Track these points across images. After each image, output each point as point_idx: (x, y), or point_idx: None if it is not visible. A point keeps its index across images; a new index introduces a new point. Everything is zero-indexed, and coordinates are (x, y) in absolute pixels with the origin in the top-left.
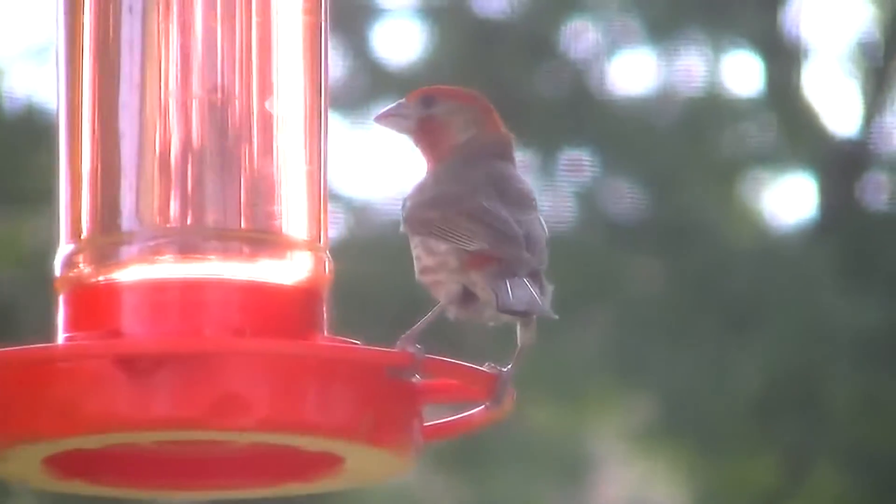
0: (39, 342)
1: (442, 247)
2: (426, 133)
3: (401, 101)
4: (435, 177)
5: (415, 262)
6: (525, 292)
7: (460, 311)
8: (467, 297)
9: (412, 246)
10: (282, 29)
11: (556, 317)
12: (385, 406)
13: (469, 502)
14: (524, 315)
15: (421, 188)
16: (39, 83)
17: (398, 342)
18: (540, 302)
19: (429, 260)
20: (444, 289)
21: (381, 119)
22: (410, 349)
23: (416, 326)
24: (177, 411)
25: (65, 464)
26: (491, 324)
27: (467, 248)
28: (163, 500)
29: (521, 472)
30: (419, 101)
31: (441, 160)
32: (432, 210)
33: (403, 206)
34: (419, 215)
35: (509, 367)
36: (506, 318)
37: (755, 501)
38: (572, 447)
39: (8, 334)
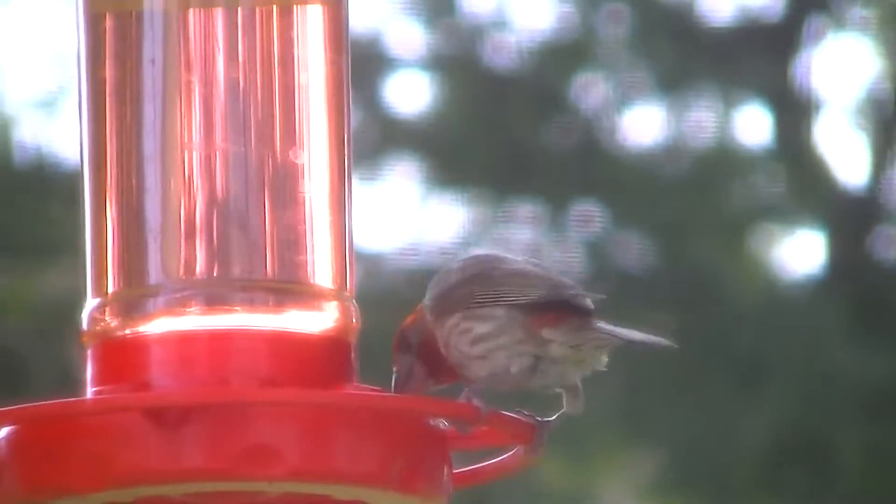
0: (56, 395)
1: (498, 311)
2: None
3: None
4: (451, 269)
5: (455, 340)
6: (621, 327)
7: (522, 382)
8: (535, 367)
9: (446, 329)
10: (304, 79)
11: (676, 346)
12: (416, 453)
13: None
14: (648, 344)
15: (442, 280)
16: (50, 133)
17: (463, 395)
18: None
19: (484, 327)
20: (507, 358)
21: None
22: (476, 402)
23: (476, 384)
24: (207, 463)
25: None
26: (545, 389)
27: (528, 300)
28: None
29: None
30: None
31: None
32: (469, 285)
33: (426, 301)
34: (454, 294)
35: (552, 419)
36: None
37: None
38: (584, 500)
39: (19, 386)
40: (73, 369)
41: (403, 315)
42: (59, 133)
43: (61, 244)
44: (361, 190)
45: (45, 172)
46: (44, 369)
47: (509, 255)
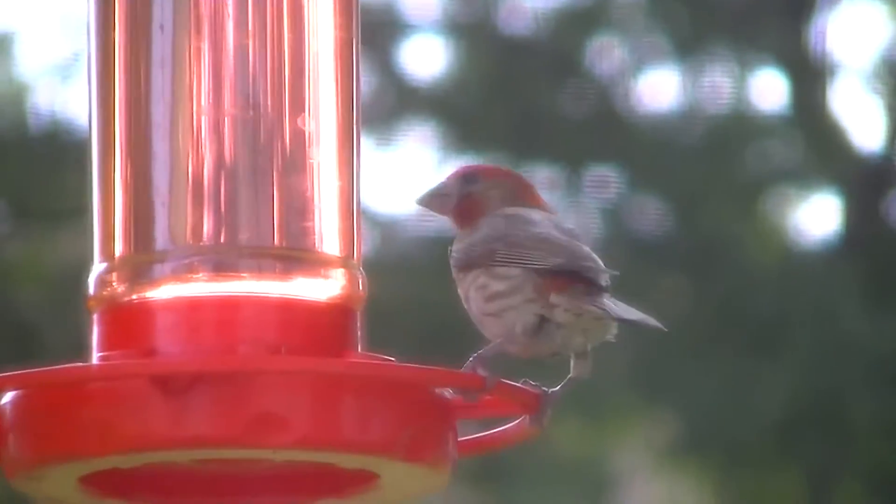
0: (67, 361)
1: (514, 271)
2: (465, 209)
3: (442, 181)
4: (479, 225)
5: (473, 294)
6: (625, 305)
7: (529, 343)
8: (540, 327)
9: (467, 282)
10: (314, 45)
11: (666, 329)
12: (422, 422)
13: None
14: (639, 324)
15: (468, 234)
16: (65, 100)
17: (467, 364)
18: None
19: (499, 285)
20: (516, 317)
21: (423, 201)
22: (481, 372)
23: (484, 351)
24: (212, 430)
25: (101, 483)
26: (555, 356)
27: (545, 266)
28: None
29: (546, 490)
30: (460, 179)
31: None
32: (492, 243)
33: (451, 253)
34: (477, 250)
35: (557, 389)
36: (577, 344)
37: None
38: (597, 464)
39: (31, 353)
40: (87, 336)
41: (418, 280)
42: (73, 100)
43: (76, 211)
44: (377, 155)
45: (60, 139)
46: (58, 335)
47: (540, 217)
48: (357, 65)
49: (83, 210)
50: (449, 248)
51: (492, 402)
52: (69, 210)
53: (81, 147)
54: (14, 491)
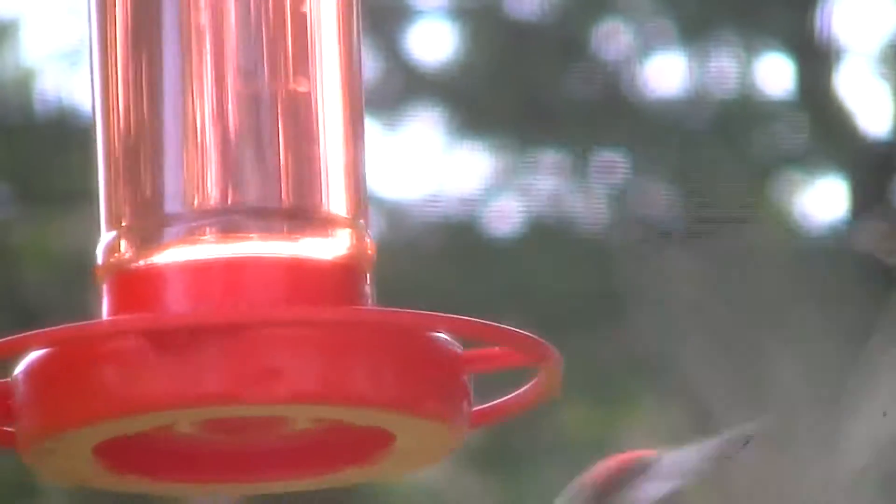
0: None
1: None
2: None
3: None
4: None
5: None
6: None
7: None
8: None
9: None
10: (316, 6)
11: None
12: (430, 374)
13: (502, 501)
14: None
15: None
16: (72, 85)
17: None
18: None
19: None
20: None
21: None
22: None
23: None
24: (216, 387)
25: (117, 458)
26: None
27: None
28: (214, 494)
29: (552, 473)
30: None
31: None
32: None
33: None
34: None
35: None
36: None
37: None
38: (605, 448)
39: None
40: (96, 309)
41: (425, 265)
42: (80, 84)
43: (82, 194)
44: (384, 139)
45: (67, 124)
46: (65, 318)
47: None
48: (358, 28)
49: (90, 193)
50: None
51: (505, 354)
52: (76, 194)
53: (89, 132)
54: (22, 478)
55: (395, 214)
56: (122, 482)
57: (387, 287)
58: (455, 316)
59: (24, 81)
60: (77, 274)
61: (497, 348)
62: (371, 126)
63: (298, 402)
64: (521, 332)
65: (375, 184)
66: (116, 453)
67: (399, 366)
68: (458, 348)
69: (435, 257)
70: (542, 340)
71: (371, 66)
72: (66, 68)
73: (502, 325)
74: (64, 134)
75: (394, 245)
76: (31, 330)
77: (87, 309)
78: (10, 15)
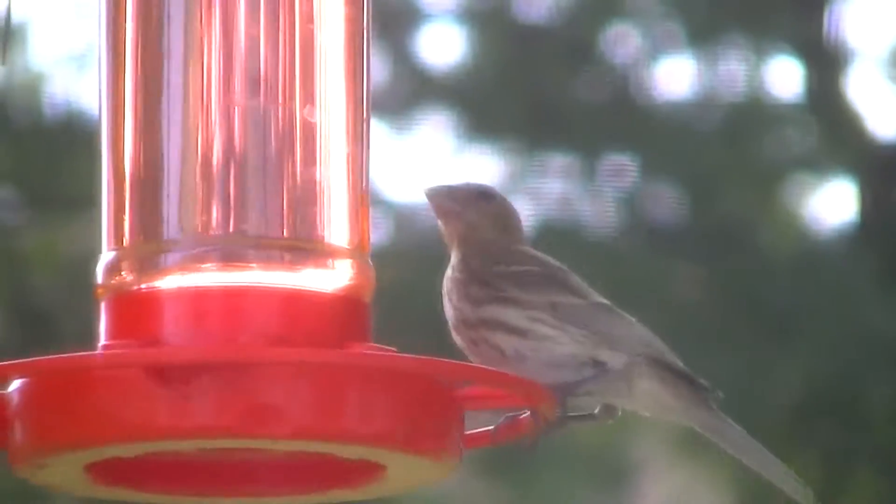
0: (78, 349)
1: None
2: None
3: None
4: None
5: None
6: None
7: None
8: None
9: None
10: (324, 37)
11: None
12: (422, 413)
13: None
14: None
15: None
16: (80, 89)
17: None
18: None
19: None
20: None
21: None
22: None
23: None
24: (210, 420)
25: (107, 471)
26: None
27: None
28: None
29: (562, 477)
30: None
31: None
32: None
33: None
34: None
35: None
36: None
37: None
38: (614, 452)
39: (46, 340)
40: (96, 324)
41: (433, 268)
42: (88, 88)
43: (90, 199)
44: (393, 143)
45: (75, 128)
46: (72, 322)
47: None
48: (367, 56)
49: (96, 199)
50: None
51: (498, 394)
52: (84, 198)
53: (96, 136)
54: (20, 482)
55: (403, 217)
56: (112, 494)
57: (395, 290)
58: (453, 362)
59: (32, 85)
60: (84, 278)
61: (492, 389)
62: (380, 129)
63: (294, 439)
64: (520, 377)
65: (384, 187)
66: (107, 467)
67: (395, 405)
68: (454, 387)
69: (443, 260)
70: (539, 384)
71: (380, 69)
72: (75, 72)
73: (501, 371)
74: (72, 138)
75: (402, 248)
76: (39, 334)
77: (92, 312)
78: (20, 19)
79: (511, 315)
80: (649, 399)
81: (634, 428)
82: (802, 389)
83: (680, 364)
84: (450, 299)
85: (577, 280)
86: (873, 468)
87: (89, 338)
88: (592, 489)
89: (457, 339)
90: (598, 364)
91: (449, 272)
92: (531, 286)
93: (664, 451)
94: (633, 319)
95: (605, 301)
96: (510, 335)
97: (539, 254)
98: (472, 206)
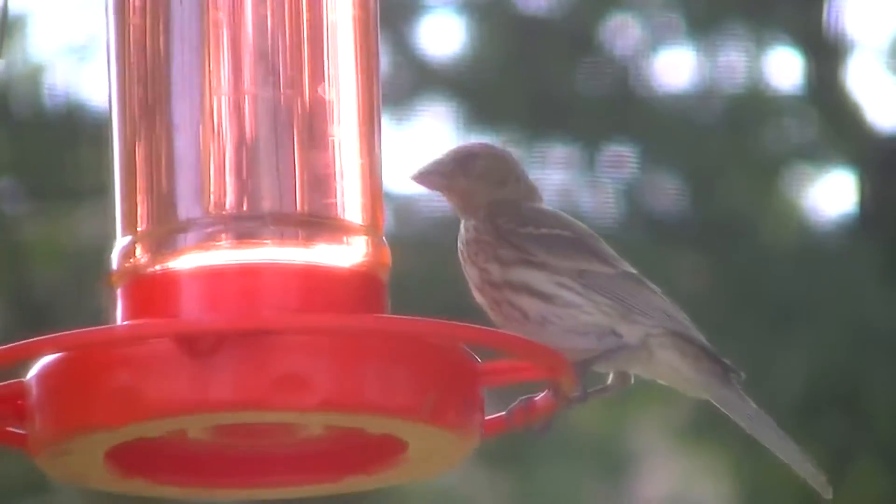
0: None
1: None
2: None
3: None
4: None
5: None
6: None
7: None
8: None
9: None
10: (333, 17)
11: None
12: (449, 385)
13: (512, 498)
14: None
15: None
16: (80, 80)
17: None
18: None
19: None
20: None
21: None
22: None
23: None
24: (237, 393)
25: (127, 461)
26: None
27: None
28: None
29: (563, 468)
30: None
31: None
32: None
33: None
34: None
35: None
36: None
37: (797, 498)
38: (615, 443)
39: (47, 332)
40: (104, 314)
41: (434, 259)
42: (88, 79)
43: (92, 190)
44: (394, 133)
45: (76, 119)
46: (75, 314)
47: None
48: (376, 35)
49: (99, 189)
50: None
51: (521, 367)
52: (85, 189)
53: (97, 127)
54: (30, 476)
55: (404, 209)
56: (129, 485)
57: (396, 281)
58: (476, 326)
59: (33, 77)
60: (87, 269)
61: (512, 362)
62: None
63: (322, 411)
64: (539, 343)
65: (385, 177)
66: (125, 456)
67: (419, 376)
68: (476, 360)
69: (444, 252)
70: (562, 355)
71: (381, 60)
72: (75, 63)
73: (524, 338)
74: (73, 129)
75: (403, 239)
76: (41, 325)
77: (96, 305)
78: (19, 10)
79: (538, 279)
80: (668, 370)
81: (635, 418)
82: (803, 382)
83: (703, 339)
84: (474, 262)
85: (605, 247)
86: (875, 461)
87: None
88: (594, 480)
89: (479, 299)
90: (616, 336)
91: (469, 234)
92: (560, 251)
93: (665, 442)
94: (659, 290)
95: (632, 270)
96: (535, 298)
97: (568, 217)
98: (457, 174)
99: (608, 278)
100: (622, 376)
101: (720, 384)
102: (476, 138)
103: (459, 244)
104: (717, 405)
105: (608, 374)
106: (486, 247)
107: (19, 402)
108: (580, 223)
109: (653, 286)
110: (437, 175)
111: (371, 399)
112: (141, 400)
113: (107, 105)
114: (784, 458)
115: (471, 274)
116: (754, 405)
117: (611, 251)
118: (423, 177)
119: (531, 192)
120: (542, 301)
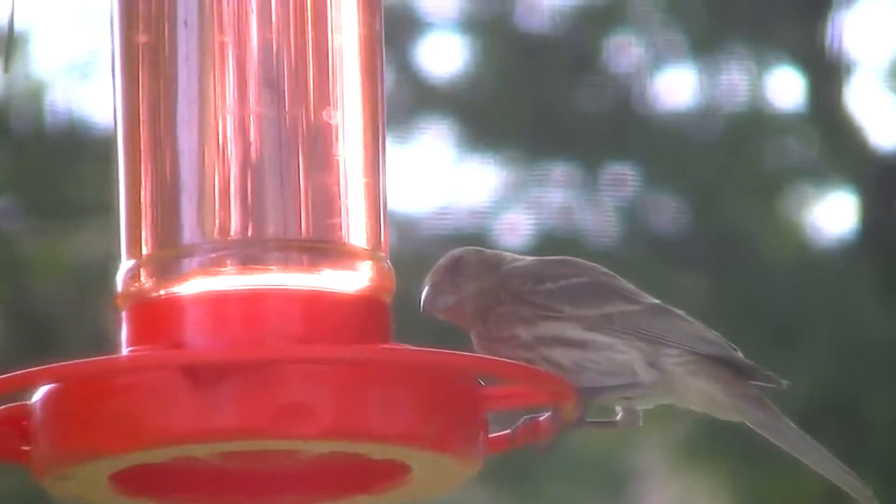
0: (90, 356)
1: None
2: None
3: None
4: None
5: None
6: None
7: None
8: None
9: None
10: (338, 40)
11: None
12: (451, 412)
13: None
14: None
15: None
16: (82, 97)
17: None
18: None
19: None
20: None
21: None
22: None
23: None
24: (241, 422)
25: (131, 482)
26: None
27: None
28: None
29: (565, 485)
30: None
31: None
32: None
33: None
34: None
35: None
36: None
37: None
38: (616, 460)
39: (50, 349)
40: (106, 332)
41: None
42: (90, 96)
43: (93, 207)
44: (394, 152)
45: (77, 136)
46: (76, 332)
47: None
48: (381, 59)
49: (100, 206)
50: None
51: (524, 392)
52: (86, 206)
53: (99, 144)
54: (34, 490)
55: (405, 227)
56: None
57: (397, 300)
58: (479, 356)
59: (34, 93)
60: (88, 286)
61: (516, 387)
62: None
63: (326, 439)
64: (543, 371)
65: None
66: (131, 478)
67: (423, 403)
68: (479, 384)
69: None
70: (562, 378)
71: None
72: (76, 81)
73: (524, 365)
74: (74, 146)
75: (404, 257)
76: (42, 343)
77: (98, 322)
78: (21, 27)
79: (567, 328)
80: (701, 397)
81: (636, 436)
82: (803, 398)
83: (738, 355)
84: (500, 337)
85: (624, 283)
86: (875, 476)
87: (93, 345)
88: (595, 497)
89: None
90: (634, 374)
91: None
92: (582, 299)
93: (666, 460)
94: (688, 317)
95: (657, 301)
96: (569, 348)
97: (579, 260)
98: (459, 283)
99: (635, 315)
100: (631, 414)
101: (754, 407)
102: (477, 157)
103: (474, 339)
104: (754, 428)
105: (618, 410)
106: (506, 316)
107: (24, 423)
108: (592, 263)
109: (678, 312)
110: (443, 295)
111: (375, 427)
112: (144, 428)
113: (108, 122)
114: (827, 474)
115: (501, 352)
116: (793, 424)
117: (630, 287)
118: (432, 304)
119: (507, 260)
120: (576, 349)
